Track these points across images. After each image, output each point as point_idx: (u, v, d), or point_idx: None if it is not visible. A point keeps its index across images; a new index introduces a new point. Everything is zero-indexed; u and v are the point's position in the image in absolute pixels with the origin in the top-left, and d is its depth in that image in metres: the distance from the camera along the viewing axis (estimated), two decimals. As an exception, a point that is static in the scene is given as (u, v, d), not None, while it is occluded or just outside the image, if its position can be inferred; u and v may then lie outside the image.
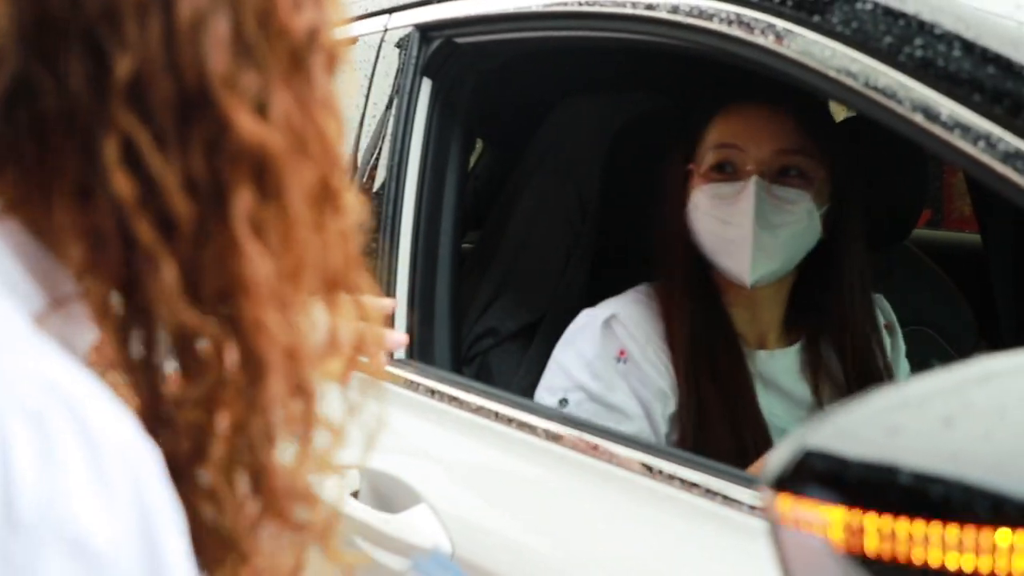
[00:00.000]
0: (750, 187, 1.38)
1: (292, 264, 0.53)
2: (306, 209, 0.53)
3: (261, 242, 0.51)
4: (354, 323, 0.61)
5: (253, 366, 0.52)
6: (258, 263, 0.51)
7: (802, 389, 1.50)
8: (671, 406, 1.43)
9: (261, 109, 0.51)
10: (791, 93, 1.34)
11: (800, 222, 1.41)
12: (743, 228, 1.38)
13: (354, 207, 0.58)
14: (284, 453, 0.56)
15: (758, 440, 1.41)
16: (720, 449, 1.33)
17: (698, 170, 1.44)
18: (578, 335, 1.48)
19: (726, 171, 1.42)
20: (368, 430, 0.68)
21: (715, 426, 1.41)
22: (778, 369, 1.51)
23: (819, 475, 0.59)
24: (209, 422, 0.52)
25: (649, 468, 1.05)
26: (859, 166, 1.96)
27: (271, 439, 0.55)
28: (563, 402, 1.42)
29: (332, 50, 0.55)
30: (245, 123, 0.49)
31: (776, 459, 0.62)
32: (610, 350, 1.44)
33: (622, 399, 1.41)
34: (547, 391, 1.47)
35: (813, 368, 1.51)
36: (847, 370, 1.50)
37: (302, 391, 0.56)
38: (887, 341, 1.61)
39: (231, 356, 0.52)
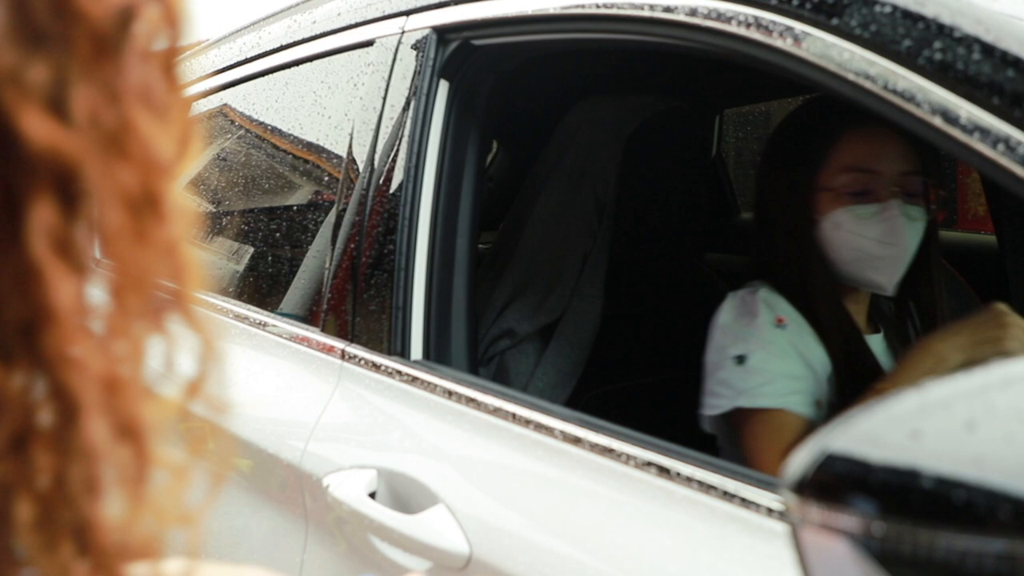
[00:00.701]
0: (895, 209, 1.50)
1: (109, 284, 0.46)
2: (124, 219, 0.46)
3: (67, 262, 0.44)
4: (192, 346, 0.53)
5: (65, 406, 0.44)
6: (63, 287, 0.44)
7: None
8: (828, 368, 1.53)
9: (58, 106, 0.43)
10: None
11: (920, 235, 1.55)
12: (896, 247, 1.51)
13: (183, 212, 0.49)
14: (113, 505, 0.47)
15: None
16: None
17: (829, 189, 1.54)
18: (740, 305, 1.58)
19: (863, 193, 1.52)
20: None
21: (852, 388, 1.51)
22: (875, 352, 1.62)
23: (841, 478, 0.60)
24: (16, 477, 0.44)
25: (666, 470, 1.05)
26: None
27: (95, 490, 0.46)
28: (741, 358, 1.52)
29: (152, 34, 0.47)
30: (36, 124, 0.42)
31: (798, 462, 0.62)
32: (770, 316, 1.54)
33: (791, 358, 1.51)
34: (718, 352, 1.56)
35: (897, 352, 1.64)
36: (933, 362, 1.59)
37: (129, 431, 0.47)
38: None
39: (38, 395, 0.44)
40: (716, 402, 1.54)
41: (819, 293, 1.56)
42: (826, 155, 1.54)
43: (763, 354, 1.50)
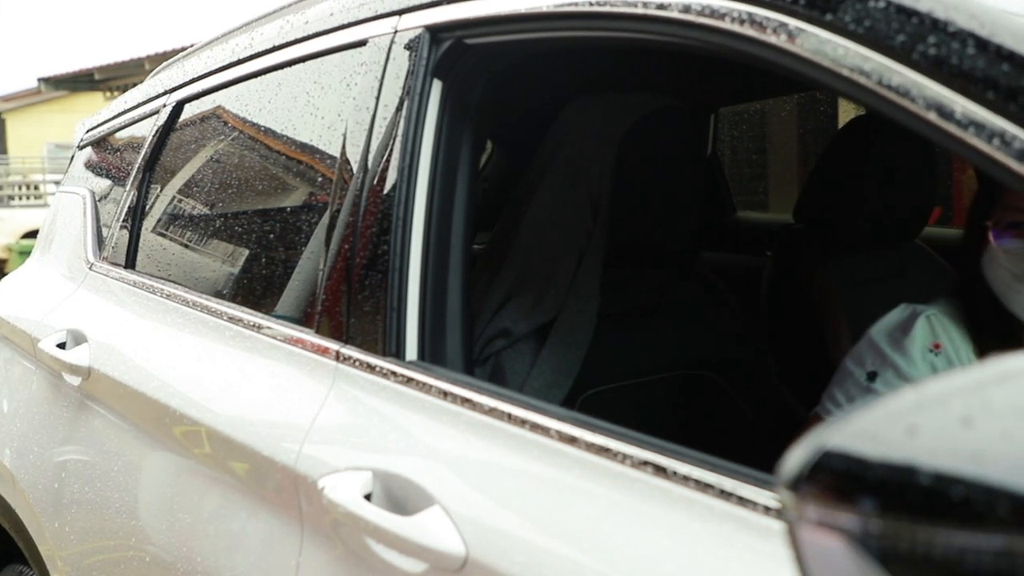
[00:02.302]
0: None
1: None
2: None
3: None
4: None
5: None
6: None
7: None
8: None
9: None
10: None
11: None
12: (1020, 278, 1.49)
13: None
14: None
15: None
16: None
17: (994, 226, 1.54)
18: (898, 321, 1.58)
19: (1020, 228, 1.51)
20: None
21: None
22: None
23: (838, 475, 0.59)
24: None
25: (663, 469, 1.04)
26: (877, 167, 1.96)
27: None
28: (872, 374, 1.52)
29: None
30: None
31: (794, 459, 0.61)
32: (927, 340, 1.54)
33: None
34: (856, 363, 1.56)
35: None
36: None
37: None
38: None
39: None
40: (832, 409, 1.55)
41: (988, 327, 1.56)
42: (1000, 194, 1.54)
43: (895, 379, 1.50)
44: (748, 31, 1.07)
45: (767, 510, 0.94)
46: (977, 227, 1.57)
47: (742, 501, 0.97)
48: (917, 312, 1.58)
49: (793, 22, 1.03)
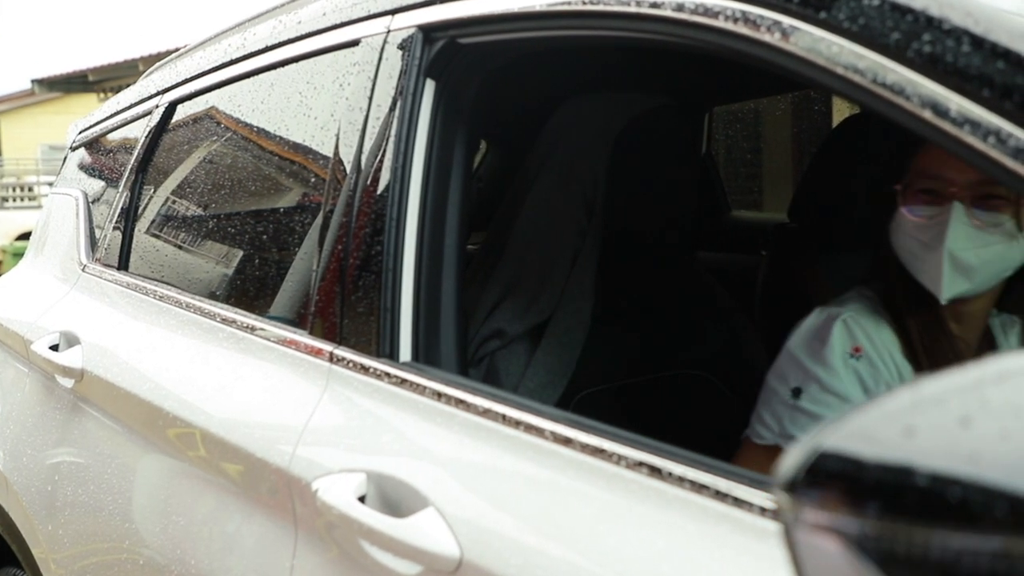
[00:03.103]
0: (947, 212, 1.45)
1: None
2: None
3: None
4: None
5: None
6: None
7: None
8: None
9: None
10: None
11: (1000, 243, 1.47)
12: (936, 251, 1.46)
13: None
14: None
15: None
16: None
17: (903, 193, 1.51)
18: (814, 331, 1.55)
19: (931, 195, 1.49)
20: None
21: None
22: None
23: (834, 476, 0.59)
24: None
25: (658, 470, 1.04)
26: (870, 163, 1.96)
27: None
28: (797, 391, 1.49)
29: None
30: None
31: (790, 461, 0.61)
32: (846, 345, 1.51)
33: (851, 390, 1.47)
34: (779, 380, 1.53)
35: None
36: None
37: None
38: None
39: None
40: (761, 432, 1.52)
41: (904, 307, 1.53)
42: (911, 160, 1.53)
43: (820, 392, 1.48)
44: (742, 29, 1.06)
45: (762, 511, 0.94)
46: (885, 198, 1.54)
47: (737, 502, 0.96)
48: (832, 316, 1.54)
49: (787, 20, 1.02)
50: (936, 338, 1.53)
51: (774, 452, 1.49)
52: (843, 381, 1.48)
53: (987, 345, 1.59)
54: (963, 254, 1.46)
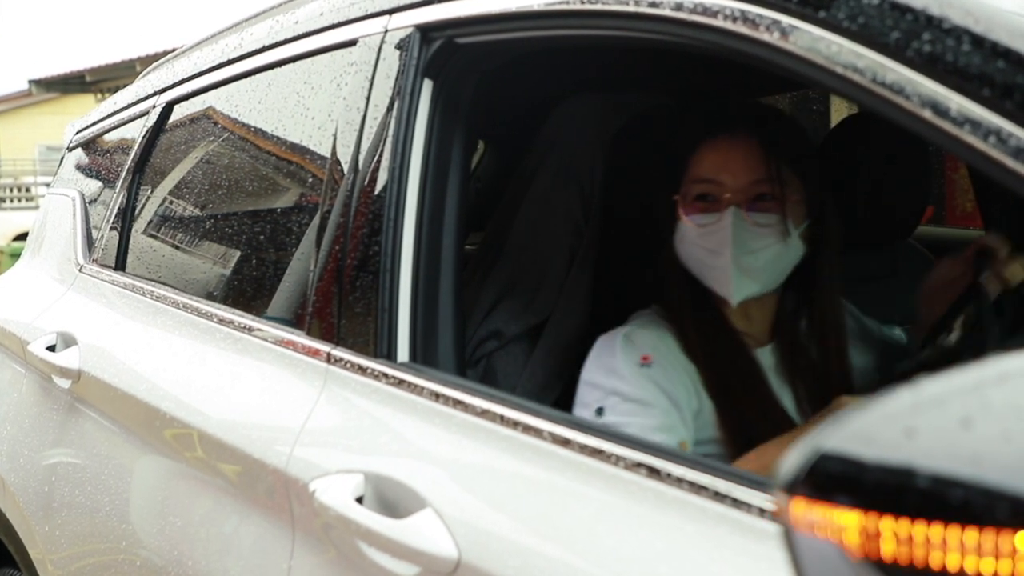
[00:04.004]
0: (727, 217, 1.49)
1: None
2: None
3: None
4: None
5: None
6: None
7: (778, 385, 1.60)
8: (694, 402, 1.53)
9: None
10: (762, 121, 1.57)
11: (777, 243, 1.52)
12: (723, 257, 1.50)
13: None
14: None
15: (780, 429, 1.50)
16: (748, 442, 1.46)
17: (682, 202, 1.55)
18: (601, 352, 1.58)
19: (707, 201, 1.53)
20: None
21: (739, 420, 1.52)
22: (767, 365, 1.61)
23: (834, 478, 0.58)
24: None
25: (656, 471, 1.03)
26: (859, 167, 1.95)
27: None
28: (600, 411, 1.51)
29: None
30: None
31: (790, 462, 0.61)
32: (633, 357, 1.53)
33: (652, 396, 1.50)
34: (582, 407, 1.55)
35: (788, 365, 1.61)
36: (827, 368, 1.62)
37: None
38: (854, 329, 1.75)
39: None
40: None
41: (685, 313, 1.57)
42: (685, 170, 1.56)
43: (622, 403, 1.50)
44: (741, 29, 1.06)
45: (761, 512, 0.93)
46: (665, 206, 1.58)
47: (736, 503, 0.96)
48: (614, 335, 1.58)
49: (786, 19, 1.02)
50: (721, 339, 1.57)
51: None
52: (641, 388, 1.51)
53: (781, 336, 1.63)
54: (746, 258, 1.50)
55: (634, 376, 1.51)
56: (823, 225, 1.59)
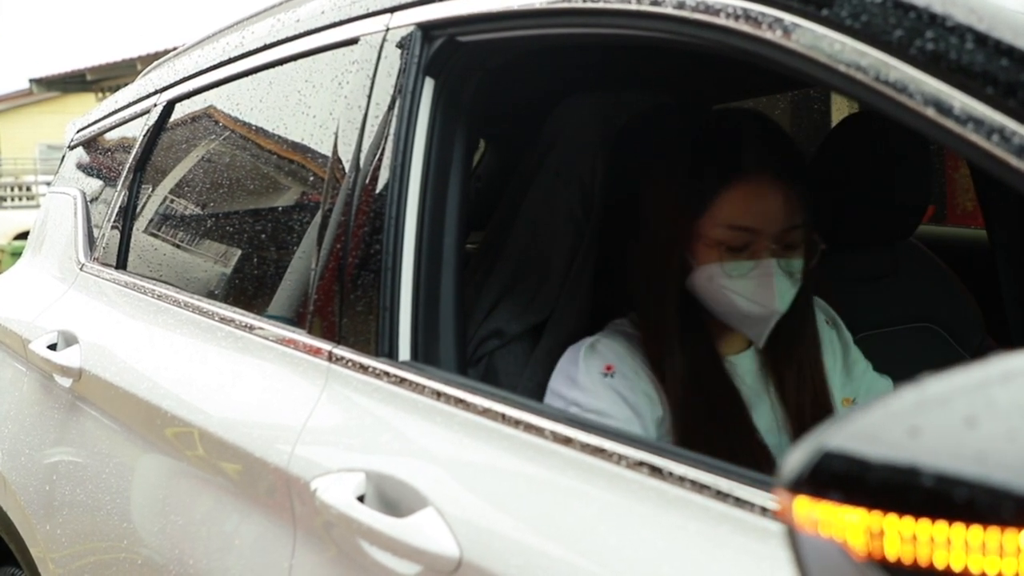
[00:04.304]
0: (769, 268, 1.48)
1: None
2: None
3: None
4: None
5: None
6: None
7: (759, 388, 1.62)
8: (658, 410, 1.53)
9: None
10: (788, 158, 1.54)
11: (798, 284, 1.53)
12: (767, 308, 1.50)
13: None
14: None
15: (748, 441, 1.54)
16: (711, 450, 1.41)
17: (706, 237, 1.51)
18: (566, 362, 1.59)
19: (740, 250, 1.50)
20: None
21: (705, 429, 1.52)
22: (745, 371, 1.62)
23: (838, 477, 0.58)
24: None
25: (659, 470, 1.03)
26: (865, 163, 1.95)
27: None
28: None
29: None
30: None
31: (794, 461, 0.60)
32: (597, 366, 1.54)
33: (611, 406, 1.51)
34: None
35: (773, 368, 1.64)
36: (801, 375, 1.64)
37: None
38: (833, 336, 1.78)
39: None
40: None
41: (671, 332, 1.55)
42: (710, 204, 1.51)
43: (582, 414, 1.49)
44: (743, 27, 1.06)
45: (763, 511, 0.93)
46: (675, 242, 1.54)
47: (738, 502, 0.96)
48: (578, 346, 1.58)
49: (789, 17, 1.02)
50: (705, 359, 1.56)
51: None
52: (601, 398, 1.51)
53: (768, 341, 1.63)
54: (784, 307, 1.51)
55: (595, 386, 1.52)
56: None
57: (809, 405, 1.61)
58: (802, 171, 1.59)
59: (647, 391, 1.53)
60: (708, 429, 1.52)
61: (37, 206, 17.18)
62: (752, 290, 1.50)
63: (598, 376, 1.53)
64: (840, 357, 1.77)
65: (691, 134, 1.59)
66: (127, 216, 2.34)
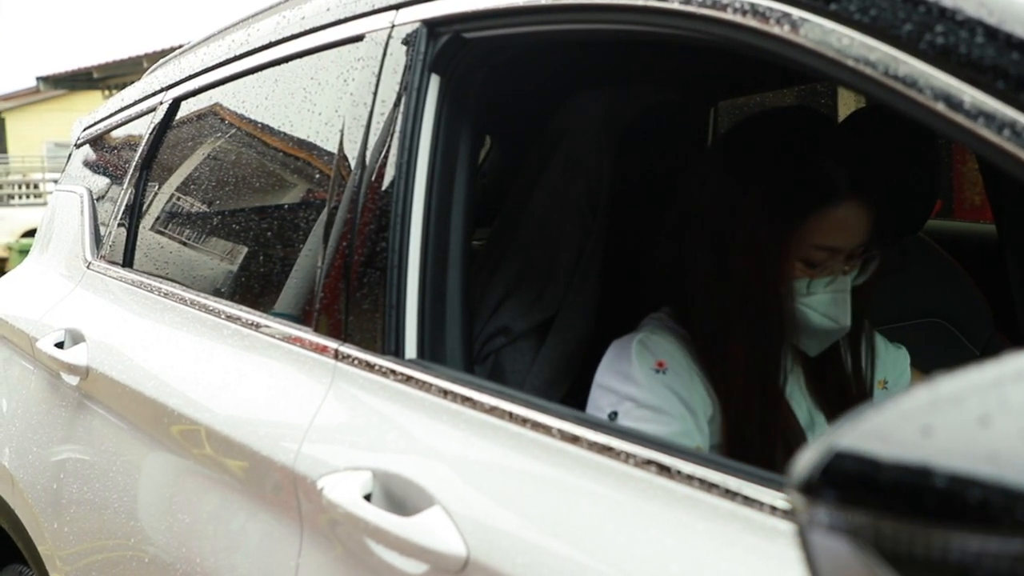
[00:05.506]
0: (846, 286, 1.50)
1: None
2: None
3: None
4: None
5: None
6: None
7: (794, 384, 1.61)
8: (710, 409, 1.51)
9: None
10: (877, 183, 1.50)
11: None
12: (839, 323, 1.51)
13: None
14: None
15: (795, 441, 1.52)
16: (760, 452, 1.47)
17: (791, 255, 1.48)
18: (615, 357, 1.55)
19: (816, 265, 1.49)
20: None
21: (755, 430, 1.50)
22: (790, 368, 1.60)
23: (850, 477, 0.58)
24: None
25: (667, 468, 1.03)
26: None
27: None
28: (613, 415, 1.50)
29: None
30: None
31: (805, 460, 0.60)
32: (648, 362, 1.51)
33: (667, 403, 1.48)
34: (595, 411, 1.53)
35: (818, 368, 1.63)
36: (845, 375, 1.64)
37: None
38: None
39: None
40: None
41: (738, 347, 1.51)
42: (800, 224, 1.46)
43: (636, 409, 1.48)
44: (751, 22, 1.05)
45: (773, 510, 0.93)
46: (762, 254, 1.49)
47: (747, 501, 0.95)
48: (628, 340, 1.55)
49: (797, 12, 1.01)
50: (769, 366, 1.52)
51: None
52: (656, 395, 1.49)
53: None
54: (850, 316, 1.51)
55: (649, 382, 1.50)
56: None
57: (852, 404, 1.59)
58: (881, 188, 1.56)
59: (699, 389, 1.52)
60: (761, 431, 1.50)
61: (44, 204, 17.22)
62: (827, 306, 1.49)
63: (651, 372, 1.51)
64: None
65: (783, 144, 1.53)
66: (133, 214, 2.34)
